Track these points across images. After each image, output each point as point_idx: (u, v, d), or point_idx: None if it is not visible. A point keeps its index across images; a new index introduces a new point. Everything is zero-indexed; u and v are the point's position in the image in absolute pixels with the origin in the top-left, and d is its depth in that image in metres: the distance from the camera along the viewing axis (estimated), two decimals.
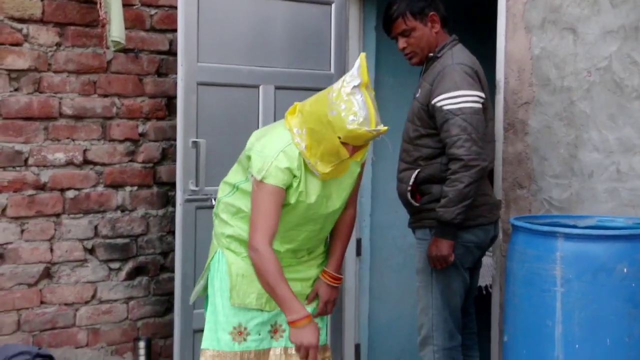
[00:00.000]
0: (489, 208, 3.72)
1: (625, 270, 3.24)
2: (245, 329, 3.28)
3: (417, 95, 3.72)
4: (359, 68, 3.04)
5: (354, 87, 3.02)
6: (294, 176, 3.14)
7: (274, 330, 3.34)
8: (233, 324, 3.27)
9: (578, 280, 3.25)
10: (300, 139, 3.13)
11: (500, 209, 3.86)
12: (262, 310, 3.29)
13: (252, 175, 3.14)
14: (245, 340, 3.28)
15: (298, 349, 3.14)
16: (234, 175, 3.31)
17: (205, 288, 3.40)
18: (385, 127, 3.04)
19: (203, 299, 3.47)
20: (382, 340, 4.98)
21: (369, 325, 4.93)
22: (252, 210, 3.14)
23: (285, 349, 3.33)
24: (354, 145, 3.08)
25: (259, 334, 3.30)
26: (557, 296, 3.28)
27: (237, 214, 3.27)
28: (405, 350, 5.01)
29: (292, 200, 3.17)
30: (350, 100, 3.01)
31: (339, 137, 3.04)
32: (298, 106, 3.22)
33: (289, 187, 3.15)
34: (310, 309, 3.35)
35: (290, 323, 3.12)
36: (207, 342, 3.29)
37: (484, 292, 5.21)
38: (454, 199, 3.51)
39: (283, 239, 3.25)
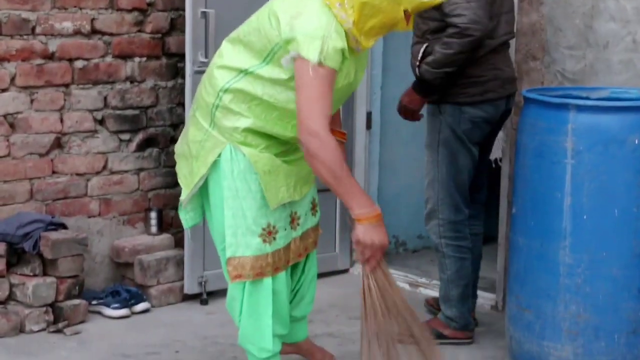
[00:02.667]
0: (501, 83, 3.68)
1: (636, 141, 3.25)
2: (274, 227, 3.05)
3: None
4: None
5: None
6: (345, 58, 2.86)
7: (292, 220, 3.15)
8: (262, 225, 3.02)
9: (589, 152, 3.26)
10: (345, 14, 2.82)
11: (515, 82, 3.80)
12: (284, 204, 3.07)
13: (298, 56, 2.80)
14: (275, 239, 3.05)
15: (364, 247, 2.80)
16: (239, 57, 3.00)
17: (202, 193, 3.12)
18: None
19: None
20: (391, 212, 5.00)
21: (378, 197, 4.96)
22: (303, 95, 2.80)
23: (301, 236, 3.19)
24: (415, 13, 2.86)
25: (285, 229, 3.09)
26: (567, 168, 3.29)
27: (253, 102, 2.97)
28: (413, 221, 5.06)
29: (340, 84, 2.91)
30: None
31: (407, 10, 2.80)
32: None
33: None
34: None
35: (361, 219, 2.78)
36: (234, 249, 3.02)
37: (494, 165, 5.22)
38: (438, 60, 3.52)
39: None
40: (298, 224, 3.17)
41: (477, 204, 3.95)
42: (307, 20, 2.82)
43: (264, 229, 3.04)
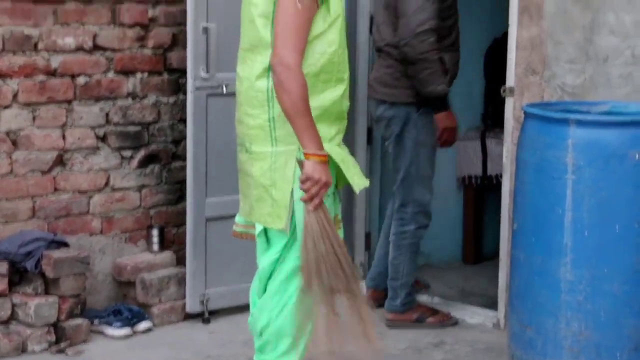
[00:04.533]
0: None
1: (637, 156, 3.22)
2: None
3: None
4: None
5: None
6: None
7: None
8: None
9: (589, 167, 3.24)
10: None
11: (371, 88, 4.28)
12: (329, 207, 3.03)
13: None
14: None
15: (313, 182, 2.87)
16: (257, 59, 2.99)
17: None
18: None
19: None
20: None
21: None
22: (282, 25, 2.87)
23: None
24: None
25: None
26: (567, 183, 3.27)
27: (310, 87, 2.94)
28: None
29: (338, 9, 2.97)
30: None
31: None
32: None
33: None
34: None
35: (312, 155, 2.87)
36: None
37: (494, 181, 5.21)
38: None
39: (342, 64, 3.01)
40: (339, 227, 3.12)
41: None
42: None
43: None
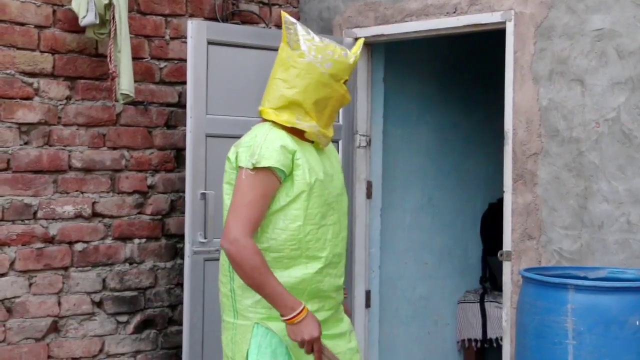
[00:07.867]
0: None
1: (637, 323, 3.21)
2: None
3: None
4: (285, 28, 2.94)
5: (309, 33, 2.93)
6: (294, 151, 2.86)
7: None
8: None
9: (590, 332, 3.22)
10: (308, 123, 2.91)
11: None
12: None
13: (240, 168, 2.84)
14: None
15: (301, 345, 2.81)
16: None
17: None
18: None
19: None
20: None
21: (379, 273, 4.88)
22: (234, 200, 2.82)
23: None
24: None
25: None
26: (568, 349, 3.25)
27: (272, 261, 2.87)
28: None
29: (312, 178, 2.86)
30: (326, 43, 2.91)
31: (345, 80, 2.94)
32: (269, 111, 2.93)
33: (294, 168, 2.86)
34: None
35: (287, 320, 2.79)
36: None
37: (494, 344, 5.16)
38: None
39: (316, 242, 2.90)
40: None
41: None
42: (245, 138, 2.92)
43: None
